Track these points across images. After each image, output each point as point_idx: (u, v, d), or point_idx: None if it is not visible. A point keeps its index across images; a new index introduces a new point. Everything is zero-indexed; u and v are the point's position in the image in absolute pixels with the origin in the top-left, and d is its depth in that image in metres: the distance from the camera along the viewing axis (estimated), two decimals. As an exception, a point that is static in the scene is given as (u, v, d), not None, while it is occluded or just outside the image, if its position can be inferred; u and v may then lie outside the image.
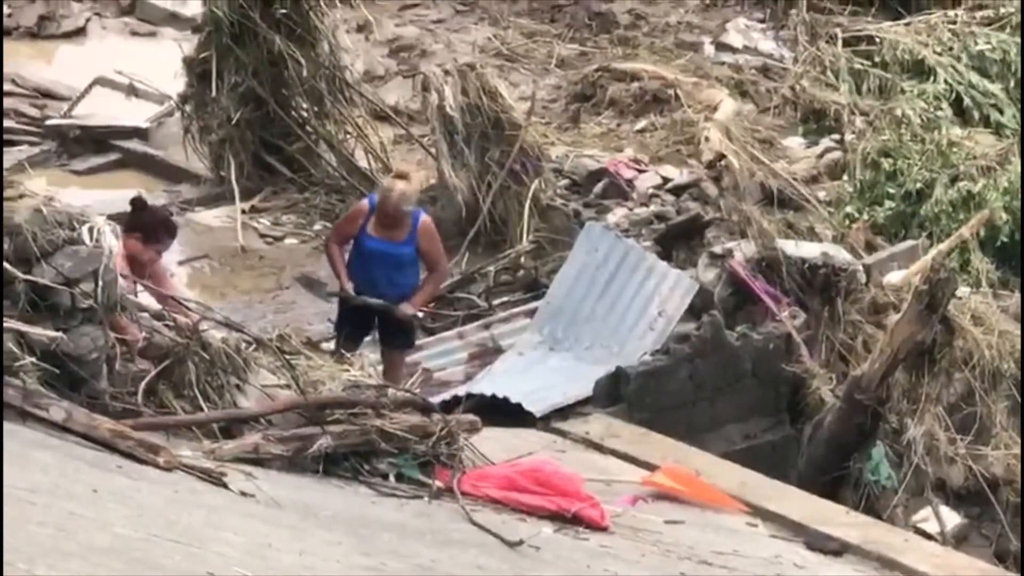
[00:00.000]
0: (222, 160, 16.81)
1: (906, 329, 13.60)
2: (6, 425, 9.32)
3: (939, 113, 18.44)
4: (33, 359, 10.17)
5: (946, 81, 19.00)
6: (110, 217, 12.19)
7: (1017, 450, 15.46)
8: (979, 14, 20.43)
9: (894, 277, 15.46)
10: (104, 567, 6.84)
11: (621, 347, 14.53)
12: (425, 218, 13.83)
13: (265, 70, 16.56)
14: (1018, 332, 16.17)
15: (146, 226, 12.82)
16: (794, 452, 14.40)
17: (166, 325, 11.40)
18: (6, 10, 20.82)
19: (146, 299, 12.25)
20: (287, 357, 11.99)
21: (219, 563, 7.70)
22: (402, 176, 13.91)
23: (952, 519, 14.48)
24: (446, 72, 17.14)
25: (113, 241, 11.26)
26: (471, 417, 11.42)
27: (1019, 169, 17.16)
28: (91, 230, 11.17)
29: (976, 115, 18.97)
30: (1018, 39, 19.78)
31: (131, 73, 18.79)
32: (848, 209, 17.15)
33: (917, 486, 14.20)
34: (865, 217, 16.86)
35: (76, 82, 18.84)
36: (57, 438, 9.30)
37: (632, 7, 22.36)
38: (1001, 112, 19.10)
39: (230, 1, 16.31)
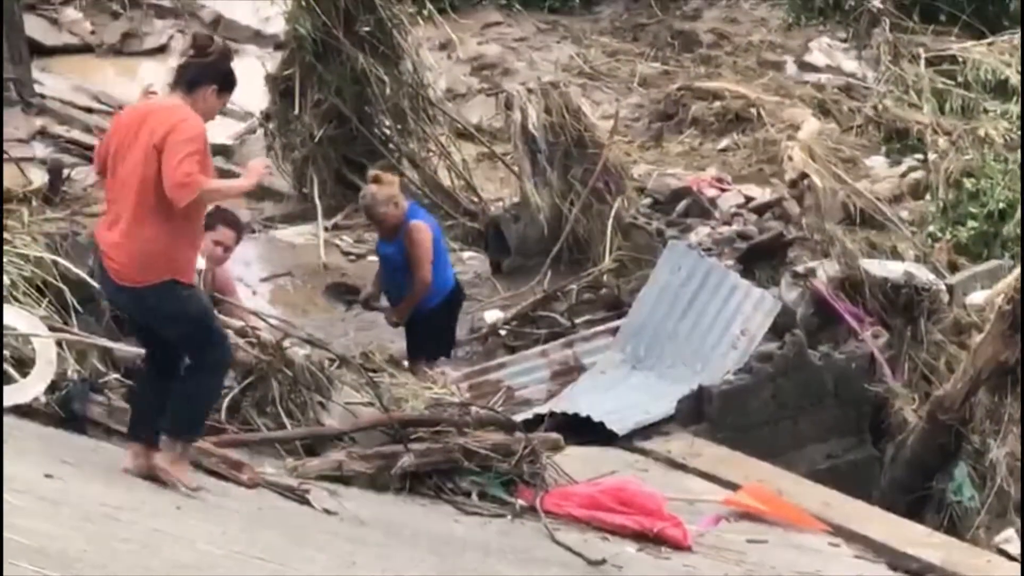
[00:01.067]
0: (305, 177, 16.88)
1: (989, 349, 13.38)
2: (92, 442, 9.85)
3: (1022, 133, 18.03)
4: (118, 376, 10.23)
5: None
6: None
7: None
8: None
9: (977, 297, 15.19)
10: (187, 583, 6.89)
11: (704, 366, 14.26)
12: (414, 223, 13.91)
13: (348, 88, 16.54)
14: None
15: (215, 231, 12.55)
16: (876, 472, 14.23)
17: (249, 342, 11.46)
18: (88, 26, 21.02)
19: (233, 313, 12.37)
20: (370, 375, 12.14)
21: (303, 581, 7.74)
22: (376, 180, 14.03)
23: (1034, 540, 14.01)
24: (529, 90, 17.09)
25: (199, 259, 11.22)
26: (554, 435, 11.51)
27: None
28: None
29: None
30: None
31: (214, 91, 18.59)
32: (931, 229, 16.98)
33: (1000, 507, 13.78)
34: (948, 237, 16.64)
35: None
36: (143, 454, 9.17)
37: (714, 26, 22.37)
38: None
39: (313, 19, 16.32)
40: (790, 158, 17.49)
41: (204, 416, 9.90)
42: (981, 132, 17.85)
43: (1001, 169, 17.21)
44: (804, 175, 17.17)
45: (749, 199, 17.60)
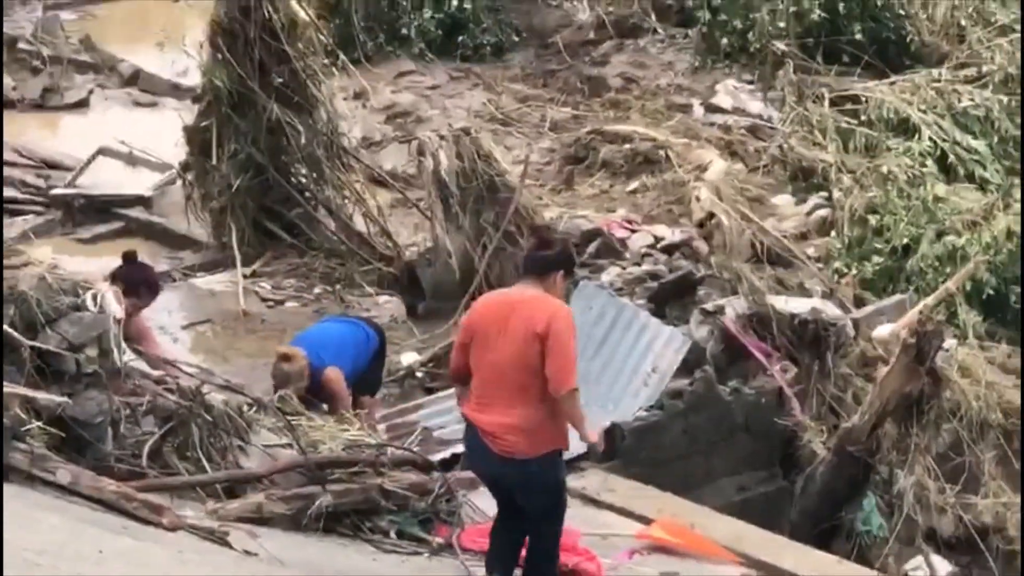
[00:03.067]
0: (223, 227, 16.89)
1: (895, 382, 13.67)
2: (13, 488, 9.52)
3: (924, 170, 18.42)
4: (40, 424, 10.25)
5: (931, 138, 19.05)
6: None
7: (1005, 498, 15.13)
8: (962, 73, 20.58)
9: (882, 331, 15.24)
10: (109, 627, 6.99)
11: (616, 405, 14.46)
12: (328, 375, 14.14)
13: (264, 138, 16.61)
14: (1005, 382, 15.89)
15: (129, 279, 12.92)
16: (787, 504, 14.42)
17: (167, 389, 11.58)
18: (10, 82, 21.06)
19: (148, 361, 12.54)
20: (288, 418, 12.07)
21: (223, 623, 7.82)
22: (285, 358, 14.03)
23: (943, 568, 14.44)
24: (441, 137, 17.22)
25: (116, 307, 11.50)
26: (469, 474, 11.41)
27: (1003, 224, 16.99)
28: (94, 296, 11.40)
29: (960, 171, 18.94)
30: (1002, 97, 20.04)
31: (133, 143, 18.94)
32: (837, 265, 17.23)
33: (908, 535, 14.12)
34: (853, 272, 16.90)
35: (80, 152, 19.09)
36: (64, 500, 9.46)
37: (623, 71, 22.52)
38: (984, 168, 19.13)
39: (228, 71, 16.38)
40: (698, 198, 17.71)
41: (557, 556, 10.96)
42: (884, 169, 18.11)
43: (904, 205, 17.47)
44: (712, 215, 17.39)
45: (658, 239, 17.60)
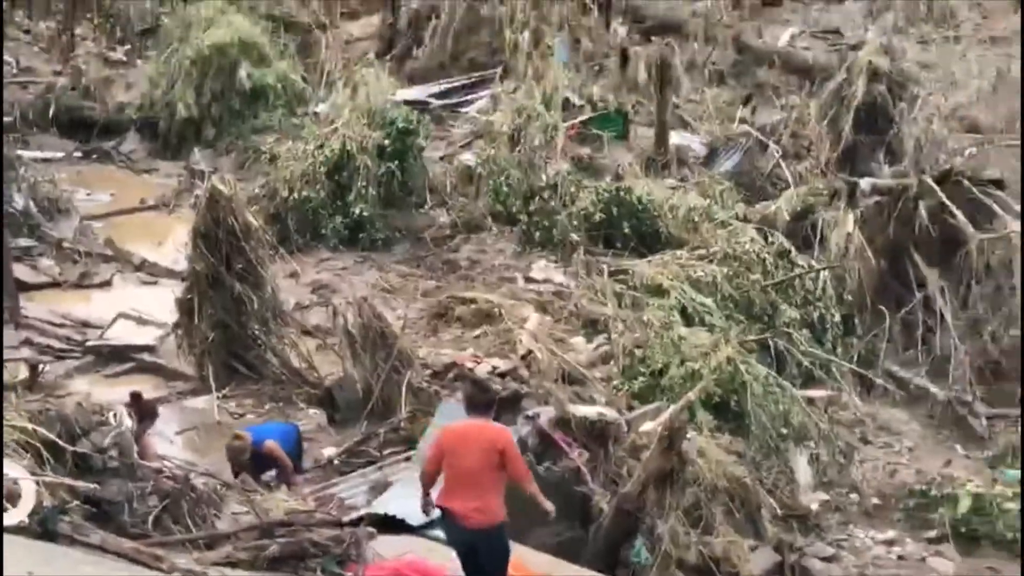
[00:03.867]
0: (203, 365, 16.89)
1: (654, 461, 13.93)
2: (61, 548, 9.65)
3: (672, 318, 18.38)
4: (78, 503, 10.41)
5: (676, 297, 19.08)
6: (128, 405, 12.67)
7: (731, 538, 15.22)
8: (696, 253, 20.73)
9: (646, 427, 15.42)
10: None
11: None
12: (267, 447, 14.49)
13: (230, 305, 16.61)
14: (728, 460, 15.92)
15: (139, 411, 13.21)
16: (584, 545, 14.46)
17: (166, 477, 11.71)
18: (57, 269, 21.21)
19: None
20: (248, 494, 12.56)
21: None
22: (237, 438, 14.44)
23: (689, 588, 14.40)
24: (348, 302, 17.42)
25: (129, 421, 11.75)
26: (370, 529, 11.68)
27: (724, 354, 17.21)
28: (115, 415, 11.67)
29: (695, 319, 18.90)
30: (724, 268, 20.17)
31: (142, 309, 18.95)
32: (615, 383, 17.30)
33: (665, 565, 14.22)
34: (626, 388, 17.04)
35: (106, 316, 19.10)
36: (96, 555, 9.56)
37: (469, 255, 22.68)
38: (712, 316, 19.15)
39: (205, 260, 16.41)
40: (521, 340, 17.81)
41: None
42: (645, 318, 18.09)
43: (659, 342, 17.49)
44: (530, 351, 17.48)
45: (495, 368, 17.32)
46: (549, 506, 11.19)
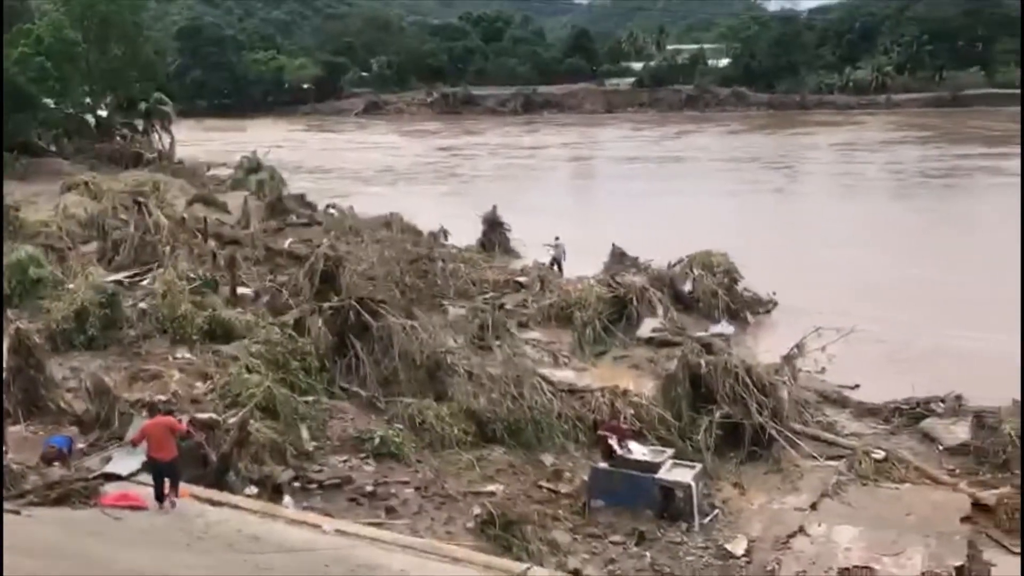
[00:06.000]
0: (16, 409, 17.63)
1: (236, 435, 15.73)
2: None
3: (241, 371, 19.54)
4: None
5: (242, 361, 20.16)
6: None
7: (273, 466, 16.15)
8: (252, 341, 21.71)
9: (232, 421, 16.55)
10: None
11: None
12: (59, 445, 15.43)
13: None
14: (270, 433, 16.76)
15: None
16: (205, 478, 15.39)
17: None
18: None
19: None
20: (43, 471, 14.51)
21: None
22: (50, 447, 15.39)
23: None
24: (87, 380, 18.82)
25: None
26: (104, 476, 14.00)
27: (264, 386, 18.13)
28: None
29: (251, 370, 19.55)
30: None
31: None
32: (217, 402, 18.00)
33: (246, 481, 15.76)
34: (223, 404, 17.92)
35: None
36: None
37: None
38: (260, 369, 19.69)
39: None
40: (172, 385, 19.26)
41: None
42: (228, 371, 19.30)
43: (235, 382, 18.58)
44: (176, 391, 18.95)
45: (160, 399, 17.83)
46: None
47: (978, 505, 16.85)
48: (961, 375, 22.91)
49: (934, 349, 26.70)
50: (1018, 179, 58.36)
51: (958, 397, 21.54)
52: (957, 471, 18.64)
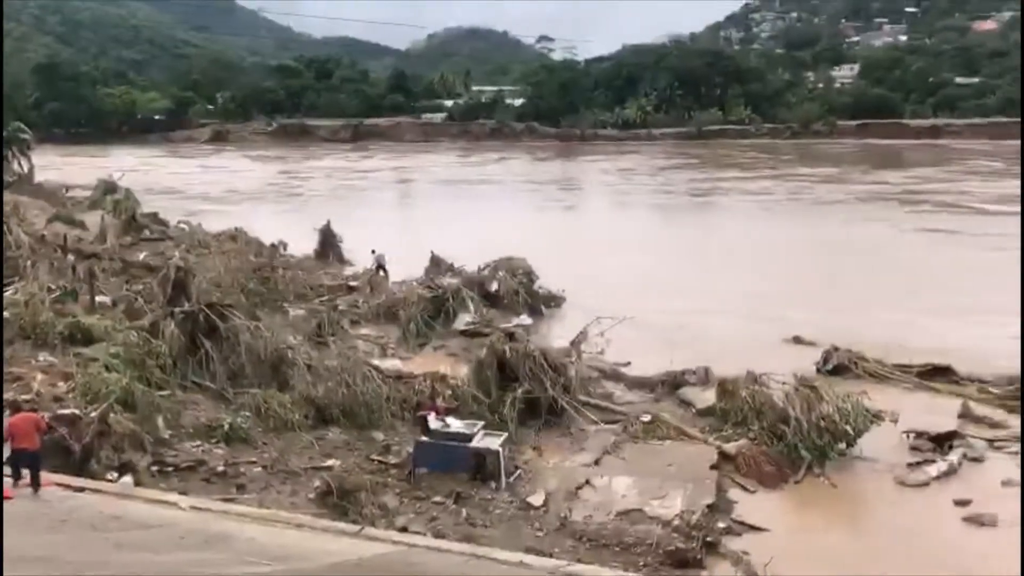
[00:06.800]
0: None
1: (98, 425, 15.51)
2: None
3: (101, 371, 18.41)
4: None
5: (103, 362, 18.98)
6: None
7: (134, 452, 15.62)
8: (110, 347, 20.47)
9: (94, 414, 15.95)
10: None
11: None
12: None
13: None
14: (130, 423, 16.15)
15: None
16: (70, 458, 14.92)
17: None
18: None
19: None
20: None
21: None
22: None
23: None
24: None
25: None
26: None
27: (123, 383, 17.33)
28: None
29: (111, 371, 18.54)
30: None
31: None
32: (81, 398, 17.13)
33: (118, 466, 15.18)
34: (88, 399, 16.94)
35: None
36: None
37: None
38: (119, 369, 18.77)
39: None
40: (34, 387, 17.92)
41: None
42: (91, 372, 18.08)
43: (101, 381, 17.56)
44: (39, 391, 17.64)
45: (25, 400, 16.67)
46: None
47: (723, 455, 17.68)
48: (709, 351, 24.03)
49: (689, 331, 28.00)
50: (759, 198, 62.67)
51: (707, 369, 22.55)
52: (706, 428, 19.44)
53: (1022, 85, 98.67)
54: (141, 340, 21.16)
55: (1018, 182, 57.08)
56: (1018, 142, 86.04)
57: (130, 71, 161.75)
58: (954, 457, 17.57)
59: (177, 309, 22.34)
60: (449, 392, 20.31)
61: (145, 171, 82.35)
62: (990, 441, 18.74)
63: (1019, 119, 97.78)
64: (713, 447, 18.22)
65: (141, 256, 35.16)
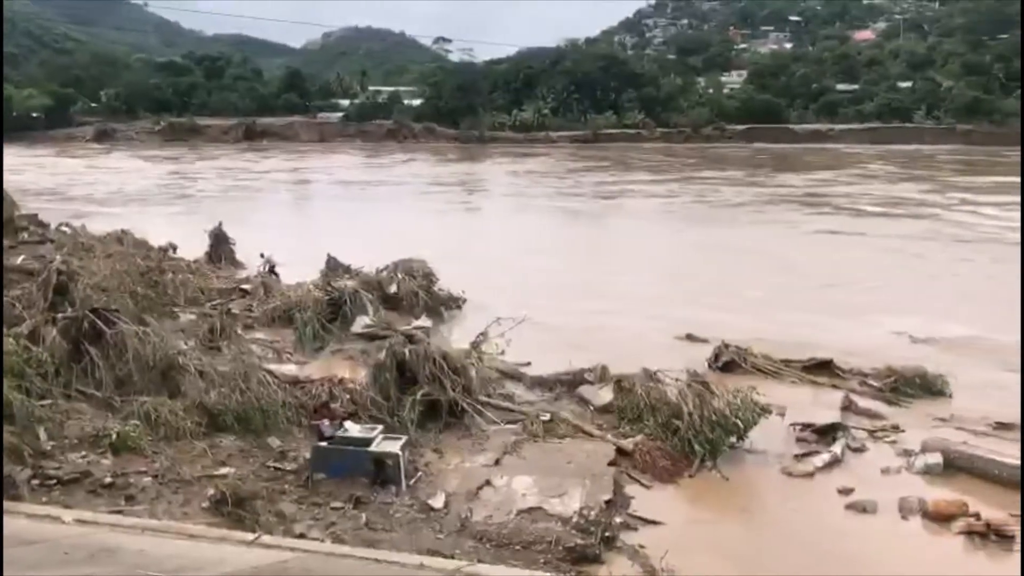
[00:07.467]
0: None
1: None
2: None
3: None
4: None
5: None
6: None
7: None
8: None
9: None
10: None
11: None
12: None
13: None
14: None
15: None
16: None
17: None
18: None
19: None
20: None
21: None
22: None
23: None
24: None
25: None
26: None
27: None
28: None
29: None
30: None
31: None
32: None
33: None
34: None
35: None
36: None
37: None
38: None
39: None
40: None
41: None
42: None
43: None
44: None
45: None
46: None
47: (620, 451, 18.18)
48: (608, 350, 24.52)
49: (588, 331, 28.63)
50: (666, 200, 64.18)
51: (604, 367, 23.11)
52: (604, 426, 20.02)
53: (1022, 75, 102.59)
54: (20, 348, 20.51)
55: (911, 185, 61.93)
56: (900, 147, 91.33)
57: (5, 66, 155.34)
58: (837, 448, 17.79)
59: (59, 315, 22.00)
60: (347, 396, 20.27)
61: (24, 171, 79.08)
62: (871, 432, 19.42)
63: (894, 125, 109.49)
64: (610, 444, 18.67)
65: (19, 260, 33.25)
